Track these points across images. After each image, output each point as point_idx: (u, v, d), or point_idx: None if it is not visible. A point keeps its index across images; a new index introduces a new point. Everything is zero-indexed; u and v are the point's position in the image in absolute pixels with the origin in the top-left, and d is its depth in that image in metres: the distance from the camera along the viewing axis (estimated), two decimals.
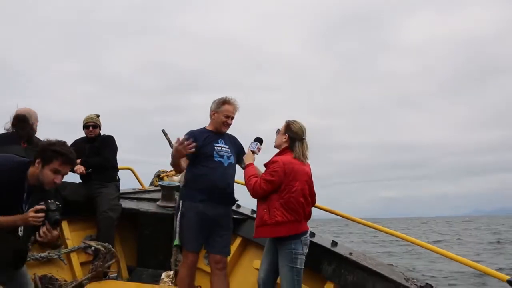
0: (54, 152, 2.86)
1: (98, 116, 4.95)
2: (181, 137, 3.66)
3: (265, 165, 3.60)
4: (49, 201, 2.80)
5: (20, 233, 3.00)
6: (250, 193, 3.56)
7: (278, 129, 3.68)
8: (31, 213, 2.76)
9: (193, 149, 3.53)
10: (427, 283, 3.40)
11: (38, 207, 2.76)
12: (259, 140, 3.80)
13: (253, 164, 3.68)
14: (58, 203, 2.84)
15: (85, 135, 4.95)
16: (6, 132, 4.22)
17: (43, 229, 2.77)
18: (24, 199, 2.97)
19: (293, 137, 3.55)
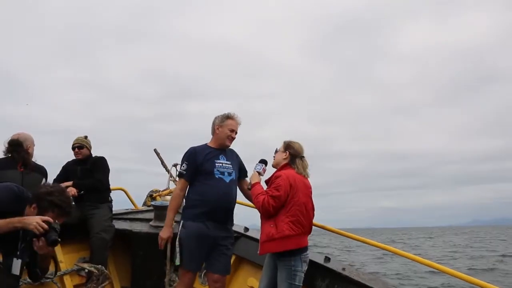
0: (51, 203, 2.88)
1: (85, 137, 4.96)
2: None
3: (266, 181, 3.67)
4: (56, 222, 2.84)
5: (16, 273, 3.01)
6: (260, 211, 3.59)
7: (277, 149, 3.75)
8: (38, 219, 2.76)
9: None
10: None
11: (45, 218, 2.77)
12: (264, 162, 3.84)
13: (260, 183, 3.71)
14: (58, 227, 2.86)
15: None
16: (2, 157, 4.26)
17: (40, 243, 2.78)
18: (21, 236, 2.98)
19: (293, 154, 3.65)
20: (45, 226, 2.76)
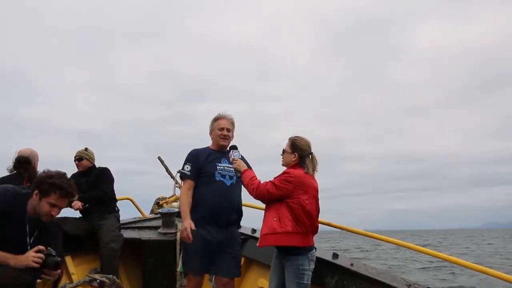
0: (52, 185, 2.87)
1: (86, 149, 5.03)
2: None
3: (275, 178, 3.59)
4: (48, 248, 2.87)
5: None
6: (252, 194, 3.56)
7: (284, 149, 3.68)
8: (32, 253, 2.77)
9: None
10: (428, 287, 3.45)
11: (40, 247, 2.78)
12: (236, 148, 3.82)
13: (249, 169, 3.69)
14: (53, 251, 2.89)
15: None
16: (9, 174, 4.34)
17: (48, 272, 2.82)
18: (27, 232, 3.00)
19: (302, 154, 3.59)
20: (41, 255, 2.77)
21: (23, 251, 2.97)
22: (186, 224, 3.65)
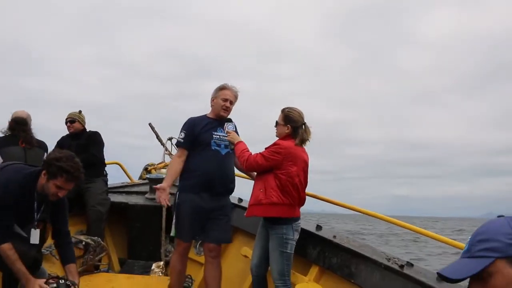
0: (60, 168, 2.93)
1: (80, 112, 5.00)
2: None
3: (266, 149, 3.63)
4: (60, 281, 2.96)
5: (36, 242, 3.19)
6: (243, 166, 3.66)
7: (277, 121, 3.68)
8: (42, 284, 2.90)
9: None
10: (407, 262, 3.50)
11: (46, 287, 2.90)
12: (231, 121, 3.85)
13: (243, 142, 3.72)
14: (69, 283, 2.99)
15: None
16: (4, 135, 4.33)
17: None
18: (35, 208, 3.12)
19: (295, 126, 3.60)
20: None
21: (30, 224, 3.14)
22: (165, 185, 3.73)
